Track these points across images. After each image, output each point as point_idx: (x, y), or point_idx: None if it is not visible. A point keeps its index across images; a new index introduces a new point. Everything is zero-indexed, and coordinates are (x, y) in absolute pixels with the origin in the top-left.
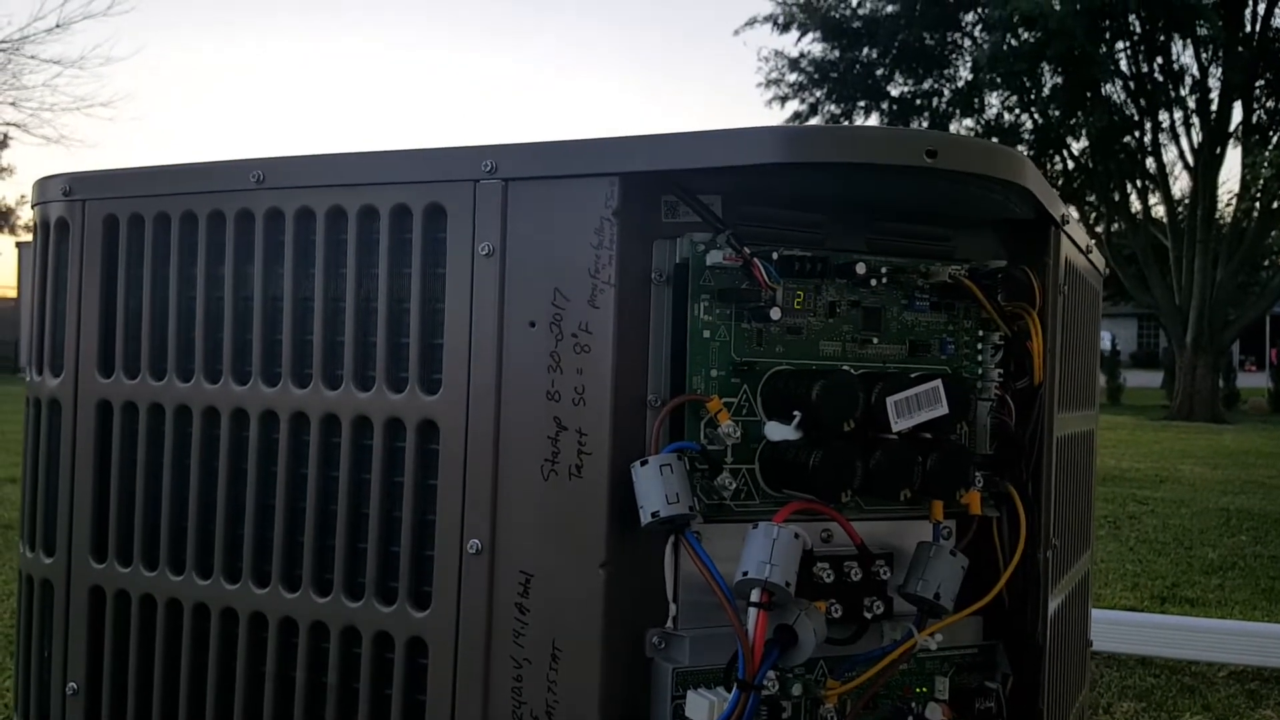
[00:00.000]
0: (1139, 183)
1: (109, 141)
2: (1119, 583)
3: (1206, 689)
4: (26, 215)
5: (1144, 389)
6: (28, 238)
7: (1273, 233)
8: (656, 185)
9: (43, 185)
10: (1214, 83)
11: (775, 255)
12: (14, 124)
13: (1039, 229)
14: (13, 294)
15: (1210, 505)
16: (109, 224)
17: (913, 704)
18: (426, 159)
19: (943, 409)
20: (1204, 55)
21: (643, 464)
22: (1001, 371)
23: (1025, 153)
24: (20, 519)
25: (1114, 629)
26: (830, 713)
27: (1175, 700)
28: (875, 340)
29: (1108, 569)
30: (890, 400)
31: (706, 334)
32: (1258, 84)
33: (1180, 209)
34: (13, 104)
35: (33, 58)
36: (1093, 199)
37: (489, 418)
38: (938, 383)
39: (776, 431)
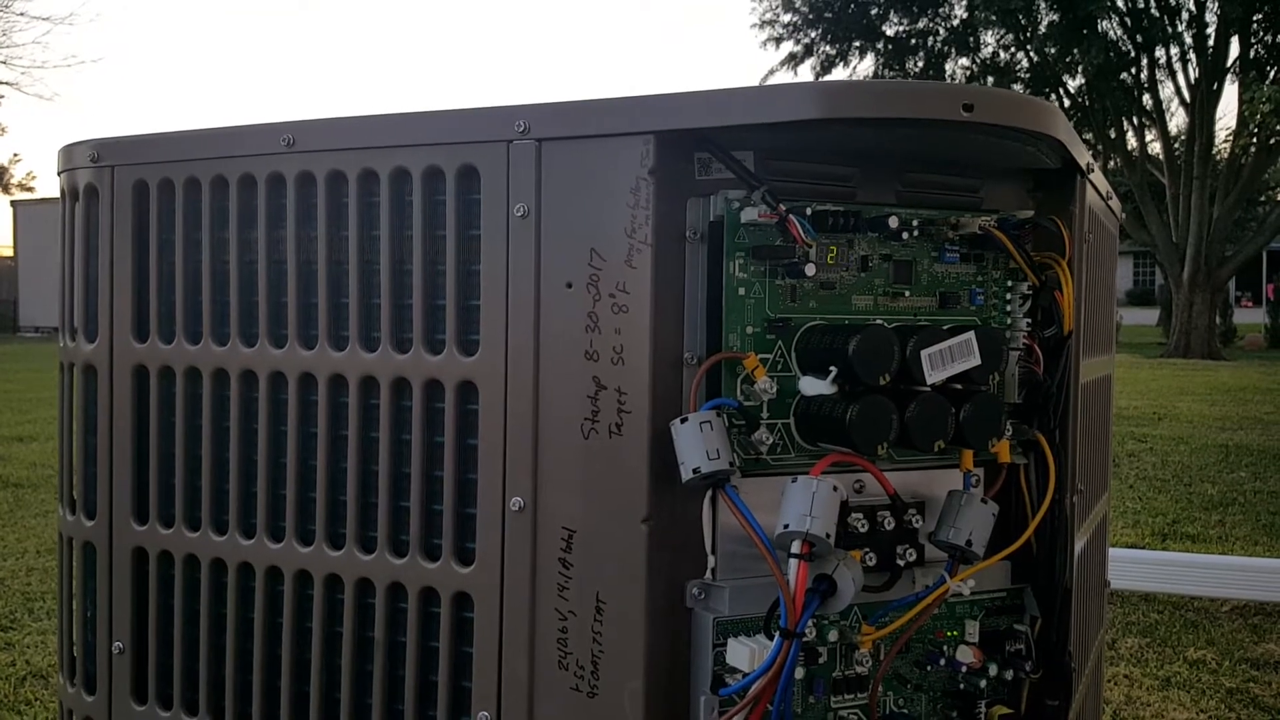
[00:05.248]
0: (1135, 120)
1: (101, 99)
2: (1120, 520)
3: (1209, 624)
4: (20, 174)
5: (1140, 326)
6: (21, 196)
7: (1270, 168)
8: (689, 143)
9: (69, 152)
10: (1211, 17)
11: (809, 211)
12: (6, 82)
13: (1063, 177)
14: (8, 252)
15: (1209, 442)
16: (139, 189)
17: (944, 647)
18: (458, 120)
19: (975, 360)
20: None
21: (683, 421)
22: (1030, 321)
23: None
24: (58, 483)
25: (1117, 566)
26: (864, 657)
27: (1179, 635)
28: (907, 293)
29: (1108, 507)
30: (925, 353)
31: (741, 291)
32: (1255, 18)
33: (1177, 145)
34: (3, 62)
35: (22, 14)
36: (1089, 137)
37: (528, 378)
38: (970, 335)
39: (812, 386)
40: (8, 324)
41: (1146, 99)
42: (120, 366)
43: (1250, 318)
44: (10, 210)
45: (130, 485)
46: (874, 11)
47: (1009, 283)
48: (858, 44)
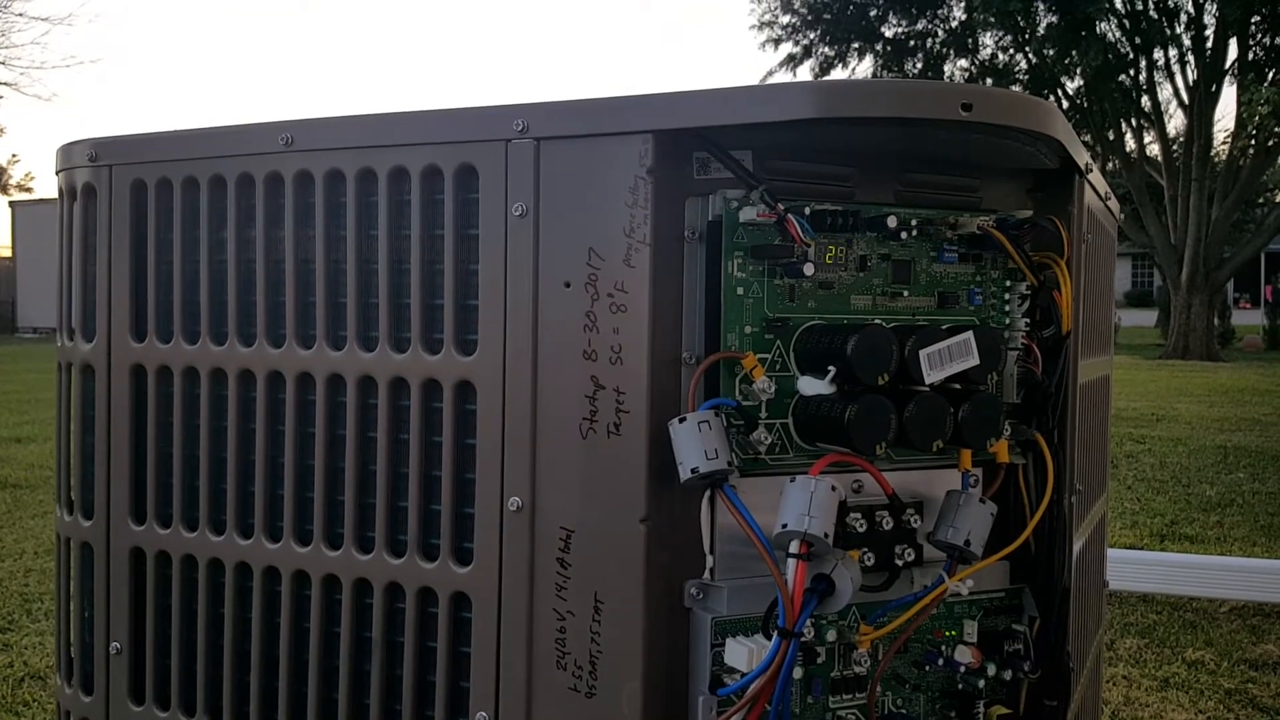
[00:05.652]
0: (1134, 121)
1: (100, 99)
2: (1118, 520)
3: (1208, 624)
4: (18, 174)
5: (1138, 328)
6: (19, 197)
7: (1268, 170)
8: (688, 142)
9: (67, 151)
10: (1209, 19)
11: (808, 210)
12: (5, 83)
13: (1062, 177)
14: (6, 253)
15: (1207, 443)
16: (137, 189)
17: (943, 647)
18: (457, 119)
19: (974, 360)
20: None
21: (681, 421)
22: (1028, 321)
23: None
24: (56, 483)
25: (1115, 567)
26: (863, 657)
27: (1178, 636)
28: (905, 293)
29: (1107, 507)
30: (923, 353)
31: (740, 291)
32: (1254, 20)
33: (1175, 147)
34: (3, 62)
35: (21, 15)
36: (1088, 138)
37: (526, 378)
38: (969, 334)
39: (810, 386)
40: (6, 325)
41: (1145, 101)
42: (118, 366)
43: (1248, 319)
44: (9, 211)
45: (128, 485)
46: (873, 13)
47: (1007, 283)
48: (856, 45)
